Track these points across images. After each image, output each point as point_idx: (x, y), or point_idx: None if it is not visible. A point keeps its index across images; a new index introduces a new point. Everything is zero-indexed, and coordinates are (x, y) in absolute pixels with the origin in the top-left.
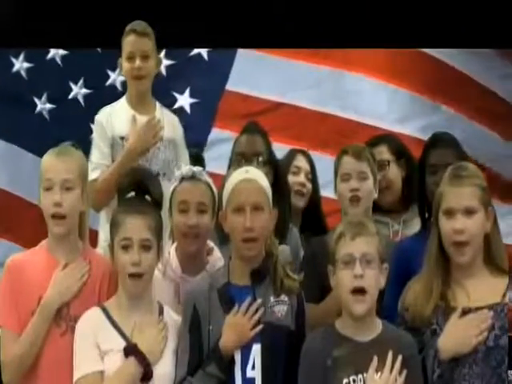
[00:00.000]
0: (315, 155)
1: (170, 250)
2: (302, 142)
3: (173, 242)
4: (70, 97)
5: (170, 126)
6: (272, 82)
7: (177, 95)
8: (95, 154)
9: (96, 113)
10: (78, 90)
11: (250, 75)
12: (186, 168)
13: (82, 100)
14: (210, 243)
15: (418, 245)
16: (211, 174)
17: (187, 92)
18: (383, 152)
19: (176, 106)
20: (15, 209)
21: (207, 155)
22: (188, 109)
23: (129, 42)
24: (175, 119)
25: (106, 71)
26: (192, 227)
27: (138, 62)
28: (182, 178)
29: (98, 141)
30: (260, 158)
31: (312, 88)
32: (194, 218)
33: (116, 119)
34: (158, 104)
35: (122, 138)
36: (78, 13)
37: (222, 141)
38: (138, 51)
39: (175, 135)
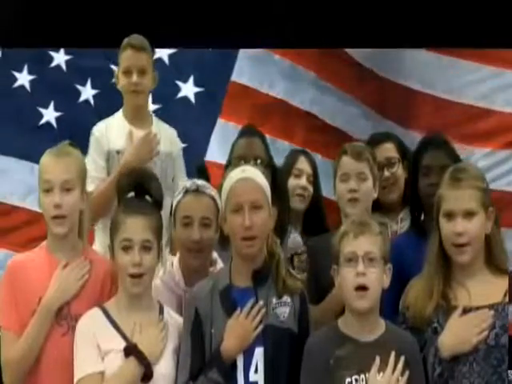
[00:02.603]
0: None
1: (173, 261)
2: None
3: (170, 248)
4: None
5: (167, 140)
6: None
7: (180, 84)
8: (90, 167)
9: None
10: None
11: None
12: (189, 181)
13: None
14: (214, 254)
15: (407, 242)
16: (218, 165)
17: (191, 81)
18: (391, 149)
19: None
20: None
21: (214, 145)
22: (193, 98)
23: (126, 56)
24: (173, 133)
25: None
26: (196, 242)
27: (135, 77)
28: (186, 191)
29: (93, 154)
30: (259, 161)
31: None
32: (198, 232)
33: (112, 133)
34: (154, 118)
35: (118, 152)
36: (75, 13)
37: (228, 130)
38: (135, 66)
39: (172, 149)
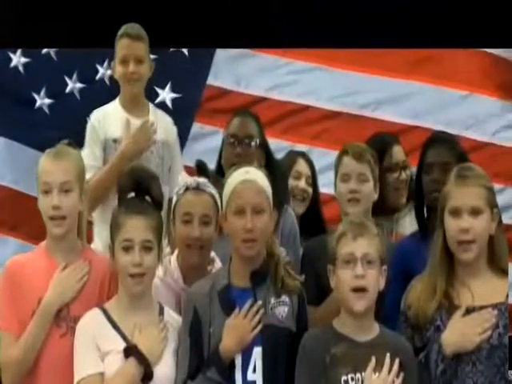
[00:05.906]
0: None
1: (171, 258)
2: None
3: (170, 247)
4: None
5: (163, 128)
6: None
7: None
8: (87, 156)
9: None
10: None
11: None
12: (190, 179)
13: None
14: (212, 253)
15: (415, 244)
16: (192, 169)
17: (168, 86)
18: (402, 152)
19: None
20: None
21: (189, 150)
22: (170, 103)
23: (122, 45)
24: (169, 121)
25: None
26: (196, 239)
27: (131, 66)
28: (187, 189)
29: (90, 143)
30: (253, 143)
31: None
32: (198, 229)
33: (109, 122)
34: (151, 106)
35: (115, 141)
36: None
37: (204, 135)
38: (132, 55)
39: (168, 137)
